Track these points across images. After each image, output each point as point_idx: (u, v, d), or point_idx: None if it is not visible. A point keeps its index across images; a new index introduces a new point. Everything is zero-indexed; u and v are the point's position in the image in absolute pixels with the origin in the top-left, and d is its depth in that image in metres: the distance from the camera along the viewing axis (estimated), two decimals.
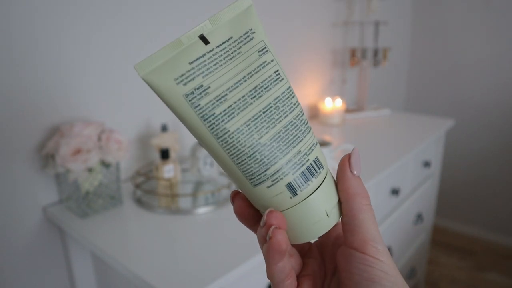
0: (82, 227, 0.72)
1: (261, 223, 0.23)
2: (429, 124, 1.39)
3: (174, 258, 0.62)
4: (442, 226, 2.13)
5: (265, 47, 0.23)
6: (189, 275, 0.57)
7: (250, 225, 0.26)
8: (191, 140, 1.03)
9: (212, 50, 0.22)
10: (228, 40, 0.23)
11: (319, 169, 0.24)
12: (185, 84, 0.22)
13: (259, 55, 0.23)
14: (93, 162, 0.71)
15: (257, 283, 0.68)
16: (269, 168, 0.23)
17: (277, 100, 0.23)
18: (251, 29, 0.23)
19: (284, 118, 0.23)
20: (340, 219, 0.26)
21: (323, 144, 0.97)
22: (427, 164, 1.33)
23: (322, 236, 0.28)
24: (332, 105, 1.38)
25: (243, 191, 0.25)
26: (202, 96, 0.22)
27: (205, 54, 0.22)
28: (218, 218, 0.75)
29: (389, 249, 1.15)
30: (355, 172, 0.24)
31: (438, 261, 1.87)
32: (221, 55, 0.22)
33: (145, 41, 0.90)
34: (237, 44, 0.23)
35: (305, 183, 0.24)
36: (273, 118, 0.23)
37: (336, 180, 0.26)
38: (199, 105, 0.22)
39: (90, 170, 0.73)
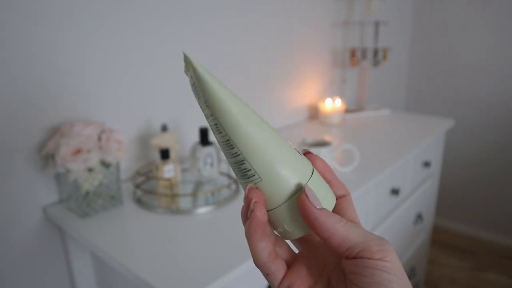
0: (82, 227, 0.72)
1: (244, 198, 0.26)
2: (429, 124, 1.39)
3: (174, 258, 0.62)
4: (442, 226, 2.13)
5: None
6: (189, 275, 0.57)
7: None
8: (191, 140, 1.03)
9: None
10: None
11: None
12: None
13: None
14: (93, 162, 0.71)
15: (257, 283, 0.68)
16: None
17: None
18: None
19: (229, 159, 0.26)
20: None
21: (323, 144, 0.97)
22: (427, 164, 1.33)
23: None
24: (332, 105, 1.38)
25: None
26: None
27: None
28: (218, 218, 0.75)
29: None
30: (318, 207, 0.24)
31: (438, 261, 1.87)
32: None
33: (145, 41, 0.90)
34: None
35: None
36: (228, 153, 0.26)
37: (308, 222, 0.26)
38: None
39: (90, 170, 0.73)
